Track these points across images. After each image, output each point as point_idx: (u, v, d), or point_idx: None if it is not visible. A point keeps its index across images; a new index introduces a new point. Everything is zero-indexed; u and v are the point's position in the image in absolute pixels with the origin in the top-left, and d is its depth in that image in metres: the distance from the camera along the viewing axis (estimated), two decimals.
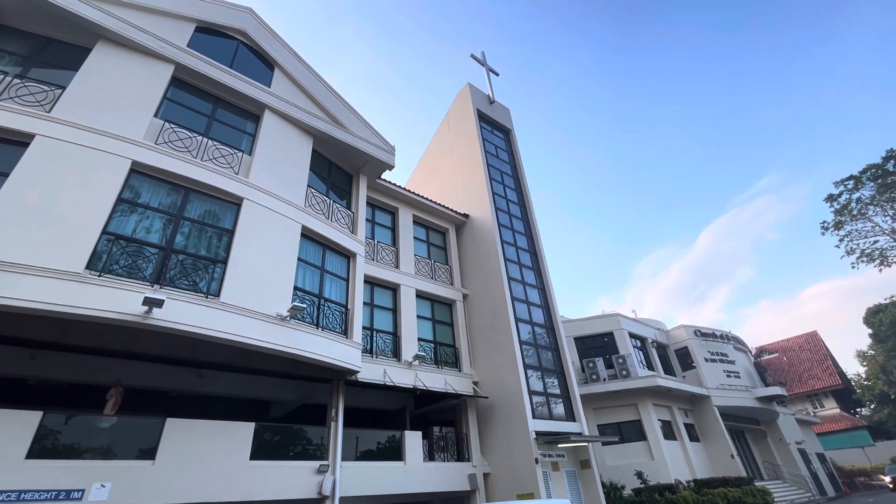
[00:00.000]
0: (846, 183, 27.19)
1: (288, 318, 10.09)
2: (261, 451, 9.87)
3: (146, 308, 7.92)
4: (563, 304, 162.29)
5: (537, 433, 14.25)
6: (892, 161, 25.47)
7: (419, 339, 15.65)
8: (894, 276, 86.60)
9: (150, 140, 10.10)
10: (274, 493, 9.57)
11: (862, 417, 45.24)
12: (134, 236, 8.99)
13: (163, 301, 7.88)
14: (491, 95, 23.91)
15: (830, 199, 28.15)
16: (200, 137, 11.11)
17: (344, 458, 11.26)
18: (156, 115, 10.57)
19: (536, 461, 13.51)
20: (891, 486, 23.40)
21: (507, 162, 22.46)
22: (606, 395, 21.23)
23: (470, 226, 19.61)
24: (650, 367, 24.51)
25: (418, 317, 16.18)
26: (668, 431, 21.64)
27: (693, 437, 22.97)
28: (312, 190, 13.19)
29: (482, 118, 22.48)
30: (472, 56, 25.43)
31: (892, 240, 25.89)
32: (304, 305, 10.31)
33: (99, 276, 8.01)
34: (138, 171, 9.60)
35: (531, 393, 15.25)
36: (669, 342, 27.46)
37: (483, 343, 16.64)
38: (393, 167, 15.60)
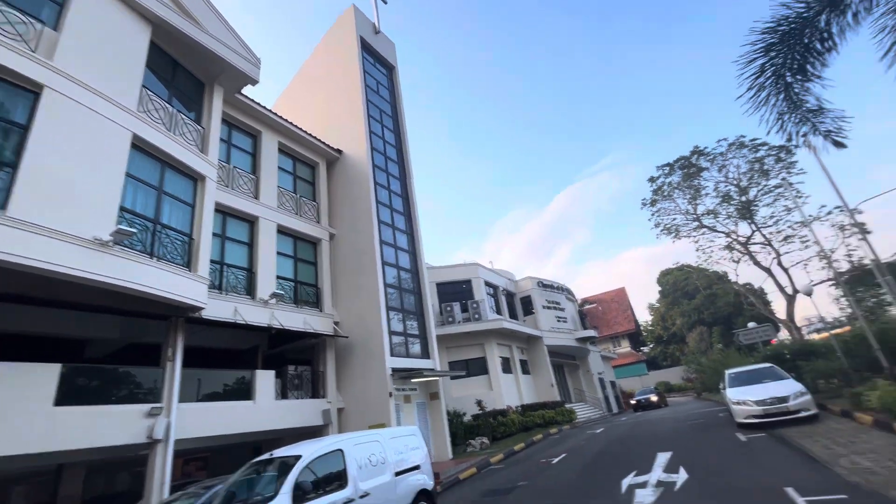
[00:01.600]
0: (663, 168, 32.94)
1: (111, 244, 8.45)
2: (71, 395, 8.43)
3: None
4: (428, 251, 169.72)
5: (394, 370, 15.00)
6: (696, 155, 31.55)
7: (278, 278, 14.74)
8: (682, 247, 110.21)
9: None
10: (87, 440, 8.36)
11: (644, 354, 58.39)
12: None
13: None
14: (377, 25, 22.25)
15: (651, 180, 33.86)
16: None
17: (184, 400, 10.33)
18: None
19: (390, 395, 14.31)
20: (634, 404, 30.75)
21: (387, 101, 21.55)
22: (459, 336, 23.26)
23: (343, 163, 18.62)
24: (499, 311, 27.47)
25: (279, 254, 15.14)
26: (507, 366, 24.90)
27: (525, 371, 26.89)
28: (149, 93, 10.85)
29: (365, 48, 20.90)
30: None
31: (684, 218, 32.46)
32: (134, 230, 8.74)
33: None
34: None
35: (391, 333, 15.83)
36: (517, 291, 30.98)
37: (347, 284, 16.48)
38: (256, 82, 13.66)
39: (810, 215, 26.09)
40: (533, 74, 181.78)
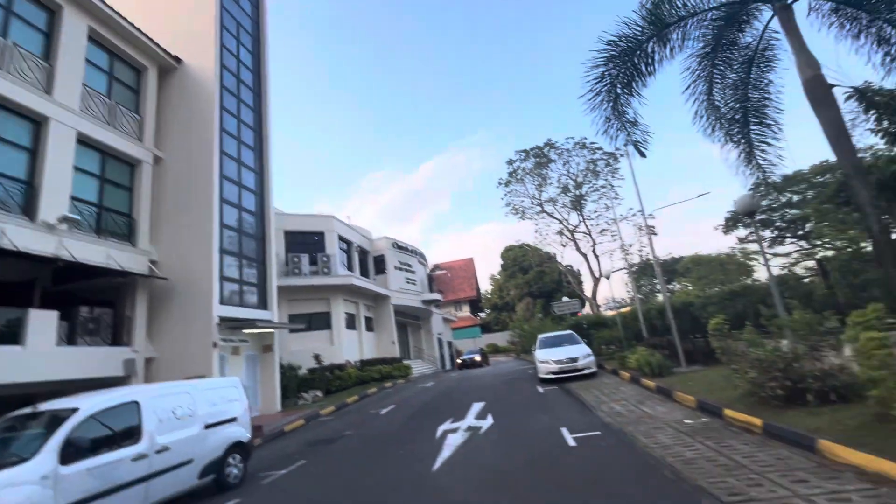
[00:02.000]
0: (521, 154, 36.02)
1: None
2: None
3: None
4: (283, 197, 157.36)
5: (222, 319, 13.67)
6: (548, 147, 35.23)
7: (75, 199, 11.86)
8: (525, 227, 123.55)
9: None
10: None
11: (480, 319, 64.83)
12: None
13: None
14: None
15: (509, 163, 36.75)
16: None
17: None
18: None
19: (215, 345, 13.07)
20: (459, 363, 34.05)
21: (249, 16, 18.62)
22: (305, 289, 22.31)
23: (182, 76, 15.59)
24: (350, 268, 27.11)
25: (78, 170, 12.13)
26: (351, 323, 24.96)
27: (370, 328, 27.38)
28: None
29: None
30: None
31: (531, 202, 36.23)
32: None
33: None
34: None
35: (224, 279, 14.31)
36: (371, 249, 30.92)
37: (173, 219, 14.17)
38: None
39: (621, 215, 31.75)
40: (426, 31, 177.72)
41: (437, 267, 64.34)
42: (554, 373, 14.14)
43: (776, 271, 13.77)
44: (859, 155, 9.06)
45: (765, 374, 6.56)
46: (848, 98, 7.95)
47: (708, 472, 4.92)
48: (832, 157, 8.26)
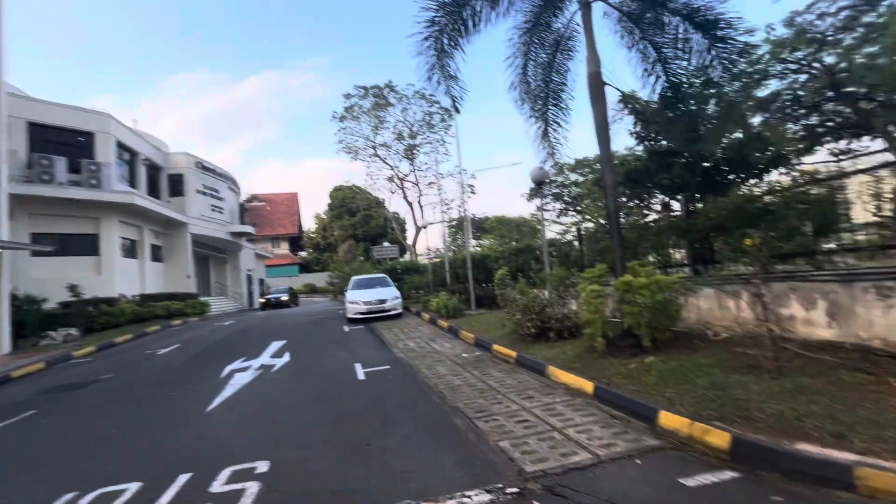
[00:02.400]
0: (360, 90, 34.27)
1: None
2: None
3: None
4: (38, 77, 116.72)
5: None
6: (388, 89, 34.35)
7: None
8: (357, 169, 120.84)
9: None
10: None
11: (300, 258, 62.00)
12: None
13: None
14: None
15: (347, 97, 34.65)
16: None
17: None
18: None
19: None
20: (263, 302, 31.82)
21: None
22: (60, 203, 17.35)
23: None
24: (134, 184, 22.15)
25: None
26: (131, 250, 20.75)
27: (157, 258, 23.27)
28: None
29: None
30: None
31: (365, 143, 35.22)
32: None
33: None
34: None
35: None
36: (167, 166, 25.75)
37: None
38: None
39: (448, 171, 33.69)
40: None
41: (254, 197, 58.14)
42: (362, 313, 14.56)
43: (556, 236, 16.78)
44: (623, 151, 11.34)
45: (525, 316, 7.95)
46: (620, 101, 9.78)
47: (467, 395, 5.77)
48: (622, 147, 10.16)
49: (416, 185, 35.16)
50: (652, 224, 8.27)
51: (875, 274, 4.18)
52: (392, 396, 6.08)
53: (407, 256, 37.67)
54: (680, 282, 5.48)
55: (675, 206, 9.16)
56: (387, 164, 35.09)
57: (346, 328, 13.74)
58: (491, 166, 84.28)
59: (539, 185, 10.06)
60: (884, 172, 5.32)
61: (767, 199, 5.75)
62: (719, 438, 3.62)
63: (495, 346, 8.19)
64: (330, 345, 11.04)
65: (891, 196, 4.96)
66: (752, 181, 8.42)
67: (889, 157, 5.90)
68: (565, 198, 23.70)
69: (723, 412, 3.94)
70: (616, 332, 5.87)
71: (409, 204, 35.40)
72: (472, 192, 35.91)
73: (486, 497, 3.19)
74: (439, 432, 4.59)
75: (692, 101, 8.66)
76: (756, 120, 8.99)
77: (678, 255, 8.78)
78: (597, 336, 5.98)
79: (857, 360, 4.12)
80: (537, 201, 25.51)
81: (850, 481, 2.94)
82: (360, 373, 7.57)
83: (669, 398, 4.45)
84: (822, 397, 3.72)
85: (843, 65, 17.60)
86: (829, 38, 17.59)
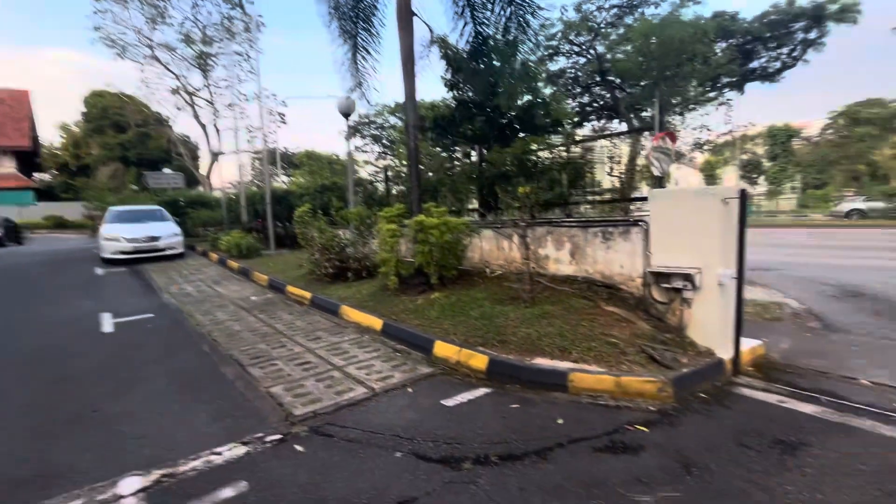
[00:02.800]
0: None
1: None
2: None
3: None
4: None
5: None
6: None
7: None
8: (127, 71, 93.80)
9: None
10: None
11: (37, 181, 46.49)
12: None
13: None
14: None
15: None
16: None
17: None
18: None
19: None
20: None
21: None
22: None
23: None
24: None
25: None
26: None
27: None
28: None
29: None
30: None
31: (137, 38, 27.35)
32: None
33: None
34: None
35: None
36: None
37: None
38: None
39: (254, 93, 29.08)
40: None
41: None
42: (126, 252, 11.75)
43: (370, 178, 16.36)
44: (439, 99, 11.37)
45: (324, 256, 7.54)
46: (432, 42, 9.67)
47: (245, 341, 5.17)
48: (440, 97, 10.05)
49: (212, 104, 29.47)
50: (450, 170, 8.71)
51: (602, 222, 5.22)
52: (146, 349, 5.02)
53: (201, 189, 32.13)
54: (466, 224, 5.89)
55: (476, 156, 9.86)
56: (170, 71, 28.20)
57: (100, 271, 10.92)
58: (304, 95, 77.07)
59: (346, 117, 9.41)
60: (618, 141, 6.67)
61: (541, 154, 6.64)
62: (479, 361, 4.05)
63: (289, 288, 7.62)
64: (71, 292, 8.60)
65: (620, 161, 6.31)
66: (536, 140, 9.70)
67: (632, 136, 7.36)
68: (384, 141, 23.42)
69: (486, 338, 4.42)
70: (409, 270, 6.03)
71: (203, 126, 29.65)
72: (282, 122, 32.20)
73: (242, 450, 2.84)
74: (199, 385, 3.96)
75: (495, 57, 9.17)
76: (548, 91, 10.20)
77: (475, 201, 9.54)
78: (390, 275, 6.04)
79: (585, 290, 5.15)
80: (357, 140, 24.59)
81: (565, 384, 3.64)
82: (108, 324, 6.07)
83: (446, 329, 4.79)
84: (557, 320, 4.51)
85: (608, 56, 21.30)
86: (602, 30, 20.97)
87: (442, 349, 4.39)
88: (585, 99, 24.73)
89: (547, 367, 3.83)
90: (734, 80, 21.89)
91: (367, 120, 24.40)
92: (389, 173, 11.72)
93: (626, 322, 4.49)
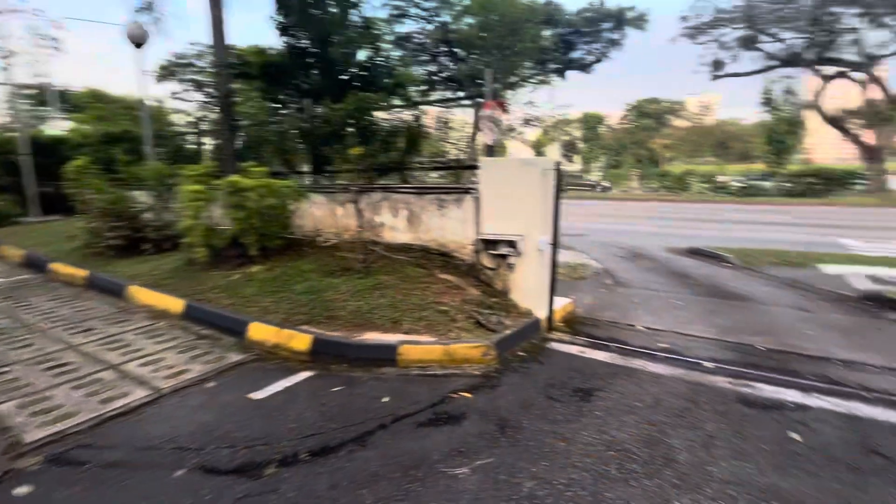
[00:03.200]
0: None
1: None
2: None
3: None
4: None
5: None
6: None
7: None
8: None
9: None
10: None
11: None
12: None
13: None
14: None
15: None
16: None
17: None
18: None
19: None
20: None
21: None
22: None
23: None
24: None
25: None
26: None
27: None
28: None
29: None
30: None
31: None
32: None
33: None
34: None
35: None
36: None
37: None
38: None
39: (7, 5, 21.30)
40: None
41: None
42: None
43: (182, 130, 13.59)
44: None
45: (106, 223, 5.93)
46: None
47: None
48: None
49: None
50: (279, 126, 7.63)
51: (436, 189, 5.13)
52: None
53: None
54: (291, 187, 5.17)
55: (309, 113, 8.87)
56: None
57: None
58: (91, 18, 60.01)
59: (138, 46, 7.40)
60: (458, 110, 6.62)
61: (378, 115, 6.18)
62: (302, 342, 3.59)
63: (54, 265, 5.83)
64: None
65: (456, 129, 6.30)
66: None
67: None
68: (207, 88, 19.73)
69: (312, 315, 3.96)
70: (223, 241, 5.08)
71: None
72: (57, 49, 24.48)
73: None
74: None
75: (332, 2, 8.24)
76: (397, 54, 9.61)
77: (310, 164, 8.60)
78: (197, 245, 5.01)
79: (420, 258, 5.05)
80: (175, 86, 20.17)
81: (394, 358, 3.46)
82: None
83: (266, 308, 4.16)
84: (390, 291, 4.29)
85: (453, 26, 21.48)
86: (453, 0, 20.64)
87: (258, 331, 3.79)
88: (434, 68, 24.89)
89: (375, 341, 3.58)
90: (558, 66, 24.54)
91: (185, 61, 20.22)
92: (203, 126, 9.80)
93: (458, 289, 4.53)
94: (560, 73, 25.01)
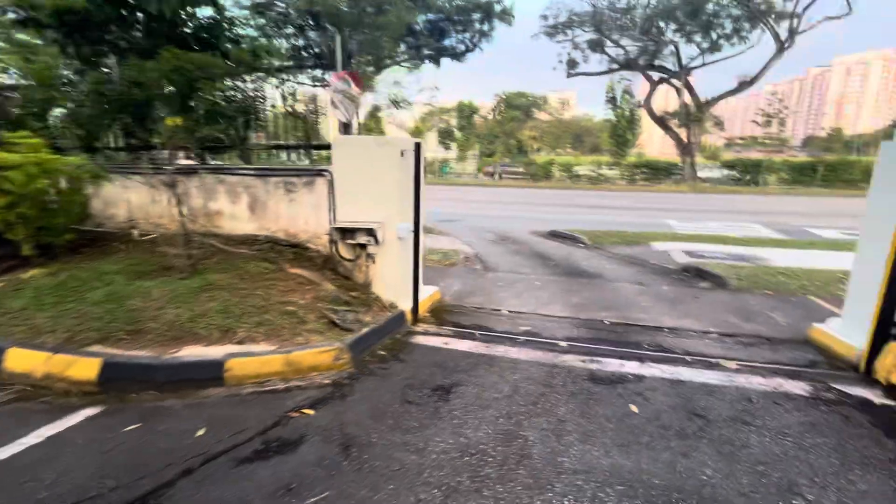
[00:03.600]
0: None
1: None
2: None
3: None
4: None
5: None
6: None
7: None
8: None
9: None
10: None
11: None
12: None
13: None
14: None
15: None
16: None
17: None
18: None
19: None
20: None
21: None
22: None
23: None
24: None
25: None
26: None
27: None
28: None
29: None
30: None
31: None
32: None
33: None
34: None
35: None
36: None
37: None
38: None
39: None
40: None
41: None
42: None
43: None
44: None
45: None
46: None
47: None
48: None
49: None
50: (75, 88, 5.97)
51: (283, 171, 4.46)
52: None
53: None
54: (81, 166, 3.98)
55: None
56: None
57: None
58: None
59: None
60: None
61: (213, 84, 5.10)
62: (87, 369, 2.73)
63: None
64: None
65: (302, 100, 5.63)
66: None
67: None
68: None
69: (108, 331, 3.07)
70: None
71: None
72: None
73: None
74: None
75: None
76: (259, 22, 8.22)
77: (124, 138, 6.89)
78: None
79: (267, 251, 4.36)
80: None
81: (221, 375, 2.82)
82: None
83: (38, 326, 3.12)
84: (223, 292, 3.57)
85: None
86: None
87: (19, 360, 2.80)
88: (301, 43, 22.92)
89: (195, 358, 2.89)
90: (431, 53, 24.56)
91: None
92: None
93: (311, 285, 3.99)
94: (434, 59, 25.10)
